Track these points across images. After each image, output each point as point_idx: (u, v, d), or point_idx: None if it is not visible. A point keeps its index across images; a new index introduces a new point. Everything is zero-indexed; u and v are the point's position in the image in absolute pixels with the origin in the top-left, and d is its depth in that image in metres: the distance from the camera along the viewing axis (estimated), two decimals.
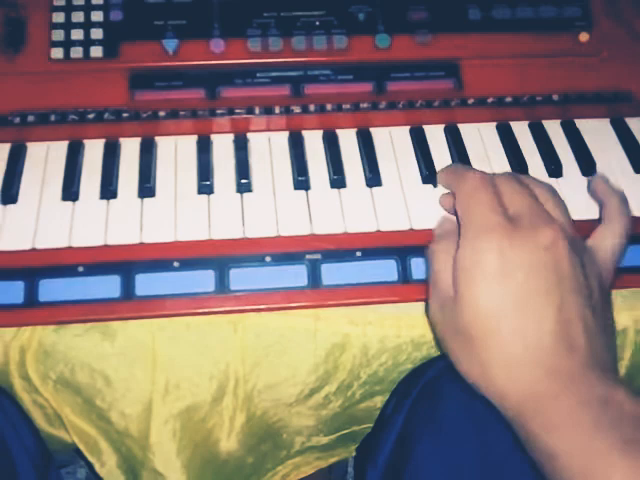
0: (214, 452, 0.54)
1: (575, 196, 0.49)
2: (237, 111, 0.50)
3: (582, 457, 0.33)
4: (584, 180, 0.50)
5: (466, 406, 0.43)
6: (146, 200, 0.47)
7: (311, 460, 0.65)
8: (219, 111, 0.49)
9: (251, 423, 0.53)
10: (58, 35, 0.50)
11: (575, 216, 0.47)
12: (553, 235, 0.38)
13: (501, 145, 0.51)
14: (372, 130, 0.51)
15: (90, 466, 0.55)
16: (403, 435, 0.48)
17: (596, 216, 0.48)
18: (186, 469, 0.52)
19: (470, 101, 0.51)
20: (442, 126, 0.52)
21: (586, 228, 0.43)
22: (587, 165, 0.50)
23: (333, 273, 0.46)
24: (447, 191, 0.47)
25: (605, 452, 0.33)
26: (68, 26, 0.50)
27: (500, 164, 0.50)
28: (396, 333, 0.49)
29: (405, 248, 0.46)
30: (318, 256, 0.46)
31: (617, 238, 0.42)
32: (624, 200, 0.44)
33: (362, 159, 0.50)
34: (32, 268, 0.44)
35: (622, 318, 0.48)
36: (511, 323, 0.36)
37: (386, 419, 0.53)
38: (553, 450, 0.34)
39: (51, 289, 0.44)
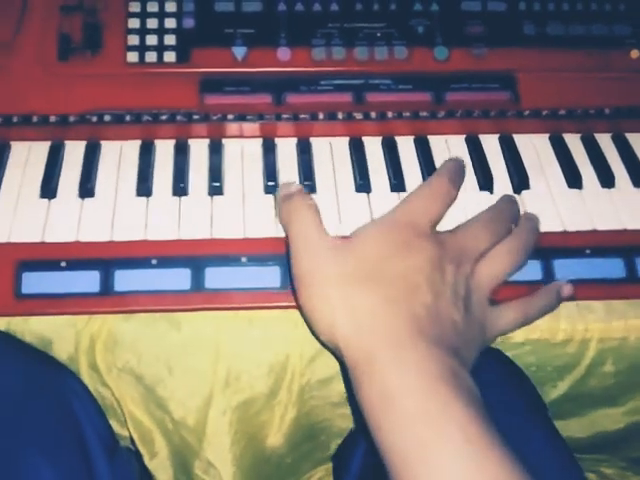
0: (261, 447, 0.56)
1: (628, 206, 0.52)
2: (301, 116, 0.52)
3: (422, 399, 0.36)
4: (636, 191, 0.53)
5: None
6: (215, 198, 0.50)
7: None
8: (284, 116, 0.52)
9: (298, 421, 0.55)
10: (133, 40, 0.53)
11: (629, 225, 0.51)
12: (452, 258, 0.42)
13: (554, 156, 0.54)
14: (430, 138, 0.54)
15: (139, 458, 0.57)
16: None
17: None
18: (237, 462, 0.54)
19: (525, 113, 0.54)
20: (497, 136, 0.55)
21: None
22: (638, 177, 0.53)
23: None
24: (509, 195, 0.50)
25: (445, 398, 0.36)
26: (143, 32, 0.53)
27: (554, 174, 0.53)
28: None
29: None
30: None
31: (515, 324, 0.46)
32: (549, 309, 0.47)
33: (420, 165, 0.52)
34: (108, 259, 0.47)
35: None
36: (392, 276, 0.40)
37: (356, 425, 0.56)
38: (394, 388, 0.36)
39: (126, 280, 0.47)
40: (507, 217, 0.47)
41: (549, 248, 0.49)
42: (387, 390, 0.37)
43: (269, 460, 0.58)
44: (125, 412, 0.53)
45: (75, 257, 0.47)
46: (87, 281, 0.46)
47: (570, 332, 0.51)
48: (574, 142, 0.55)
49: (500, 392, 0.50)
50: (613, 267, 0.50)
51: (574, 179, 0.53)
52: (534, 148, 0.54)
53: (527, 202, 0.51)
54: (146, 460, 0.56)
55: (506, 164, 0.53)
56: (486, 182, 0.52)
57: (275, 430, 0.55)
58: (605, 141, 0.55)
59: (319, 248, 0.42)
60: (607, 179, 0.53)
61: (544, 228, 0.50)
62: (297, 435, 0.57)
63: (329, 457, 0.65)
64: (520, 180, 0.52)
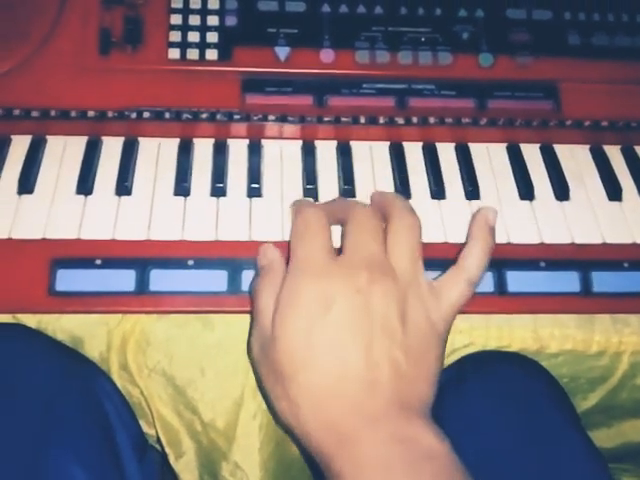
0: (287, 452, 0.54)
1: None
2: (343, 119, 0.49)
3: None
4: None
5: (460, 412, 0.43)
6: (254, 200, 0.47)
7: None
8: (326, 118, 0.49)
9: None
10: (175, 36, 0.50)
11: None
12: (368, 279, 0.37)
13: (595, 167, 0.51)
14: (470, 145, 0.51)
15: (164, 457, 0.55)
16: None
17: None
18: (264, 466, 0.51)
19: (567, 123, 0.51)
20: (538, 145, 0.52)
21: None
22: None
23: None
24: None
25: None
26: (185, 28, 0.50)
27: (594, 185, 0.50)
28: (483, 343, 0.49)
29: (502, 261, 0.46)
30: None
31: (462, 290, 0.40)
32: (488, 250, 0.41)
33: (461, 172, 0.50)
34: (144, 258, 0.44)
35: None
36: (318, 360, 0.36)
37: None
38: None
39: (161, 279, 0.44)
40: (367, 208, 0.41)
41: (588, 260, 0.47)
42: None
43: (294, 464, 0.55)
44: (153, 412, 0.50)
45: (111, 255, 0.44)
46: (122, 280, 0.44)
47: (604, 344, 0.48)
48: (615, 154, 0.52)
49: (536, 401, 0.48)
50: None
51: (614, 191, 0.50)
52: (575, 159, 0.52)
53: (567, 213, 0.49)
54: (172, 460, 0.53)
55: (548, 174, 0.50)
56: (527, 191, 0.49)
57: None
58: None
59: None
60: None
61: (584, 240, 0.47)
62: None
63: None
64: (561, 191, 0.49)
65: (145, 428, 0.54)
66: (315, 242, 0.39)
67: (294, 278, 0.38)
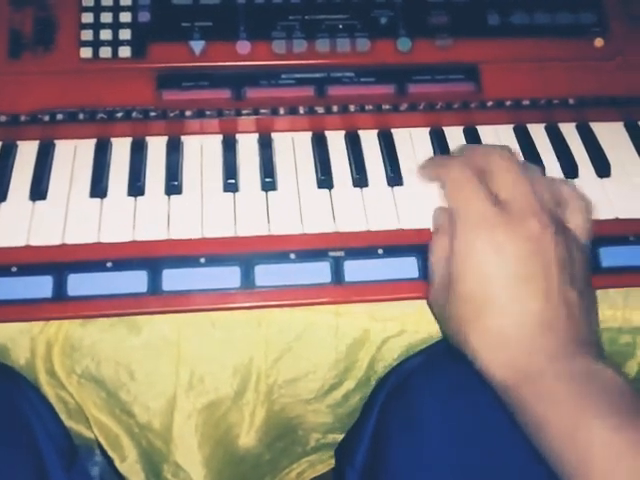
0: (233, 448, 0.51)
1: (591, 196, 0.46)
2: (262, 111, 0.47)
3: (565, 424, 0.33)
4: (599, 181, 0.47)
5: (439, 402, 0.41)
6: (173, 197, 0.44)
7: (326, 458, 0.61)
8: (244, 111, 0.46)
9: (270, 419, 0.50)
10: (87, 35, 0.46)
11: (592, 216, 0.46)
12: (539, 225, 0.37)
13: (518, 146, 0.48)
14: (393, 131, 0.48)
15: (110, 461, 0.52)
16: (377, 433, 0.46)
17: (611, 216, 0.46)
18: (206, 464, 0.49)
19: (489, 104, 0.48)
20: (461, 128, 0.49)
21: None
22: (602, 167, 0.48)
23: (355, 270, 0.43)
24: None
25: (586, 418, 0.33)
26: (97, 26, 0.46)
27: None
28: (415, 329, 0.47)
29: (425, 246, 0.43)
30: (341, 253, 0.43)
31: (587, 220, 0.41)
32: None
33: (383, 159, 0.47)
34: (61, 263, 0.41)
35: None
36: (496, 305, 0.37)
37: (360, 417, 0.51)
38: (539, 418, 0.34)
39: (80, 284, 0.41)
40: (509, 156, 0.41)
41: None
42: (534, 420, 0.35)
43: (244, 459, 0.53)
44: (89, 417, 0.47)
45: (26, 262, 0.41)
46: (39, 286, 0.41)
47: None
48: (538, 132, 0.49)
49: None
50: None
51: None
52: (498, 139, 0.49)
53: None
54: (117, 463, 0.50)
55: None
56: None
57: (246, 430, 0.50)
58: (570, 131, 0.50)
59: None
60: (571, 169, 0.47)
61: None
62: (271, 433, 0.51)
63: (310, 450, 0.59)
64: None
65: (87, 432, 0.51)
66: (477, 194, 0.39)
67: (465, 231, 0.38)
